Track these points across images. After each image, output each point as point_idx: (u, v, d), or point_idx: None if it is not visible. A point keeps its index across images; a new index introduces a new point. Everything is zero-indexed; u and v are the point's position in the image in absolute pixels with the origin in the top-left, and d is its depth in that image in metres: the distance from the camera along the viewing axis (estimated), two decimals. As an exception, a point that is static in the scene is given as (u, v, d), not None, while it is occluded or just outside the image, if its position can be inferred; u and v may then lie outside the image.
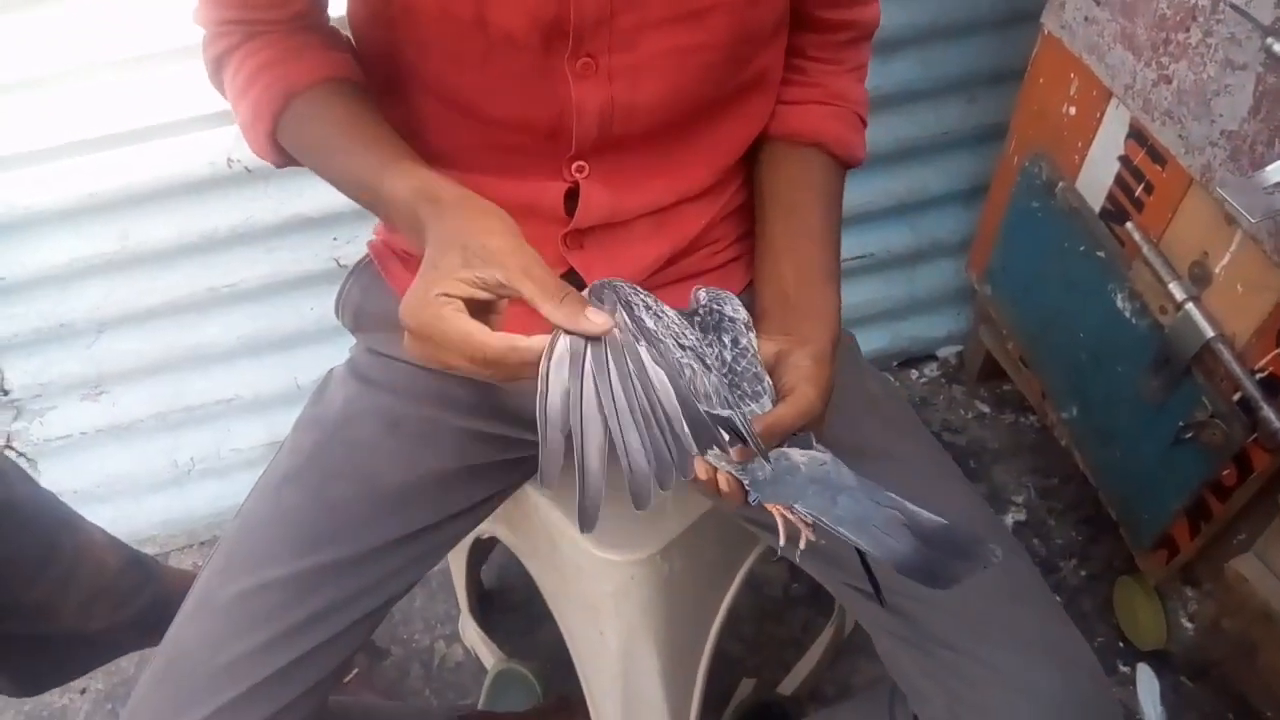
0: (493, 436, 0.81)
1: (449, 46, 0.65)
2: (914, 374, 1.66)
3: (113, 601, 0.91)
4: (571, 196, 0.73)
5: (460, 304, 0.53)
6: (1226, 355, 0.95)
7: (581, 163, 0.71)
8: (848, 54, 0.80)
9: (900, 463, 0.75)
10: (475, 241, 0.54)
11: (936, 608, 0.69)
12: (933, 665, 0.69)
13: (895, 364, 1.66)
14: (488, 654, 1.29)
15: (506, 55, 0.65)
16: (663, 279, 0.79)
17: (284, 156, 0.71)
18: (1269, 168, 0.76)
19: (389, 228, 0.81)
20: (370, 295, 0.84)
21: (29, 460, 1.42)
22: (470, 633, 1.32)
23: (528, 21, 0.63)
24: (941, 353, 1.67)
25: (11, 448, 1.40)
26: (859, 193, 1.48)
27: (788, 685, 1.23)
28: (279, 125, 0.68)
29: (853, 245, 1.53)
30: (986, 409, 1.59)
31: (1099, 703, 0.67)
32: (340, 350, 1.41)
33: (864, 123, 0.81)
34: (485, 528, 0.97)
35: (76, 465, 1.44)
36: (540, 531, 0.93)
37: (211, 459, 1.48)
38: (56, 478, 1.43)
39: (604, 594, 0.87)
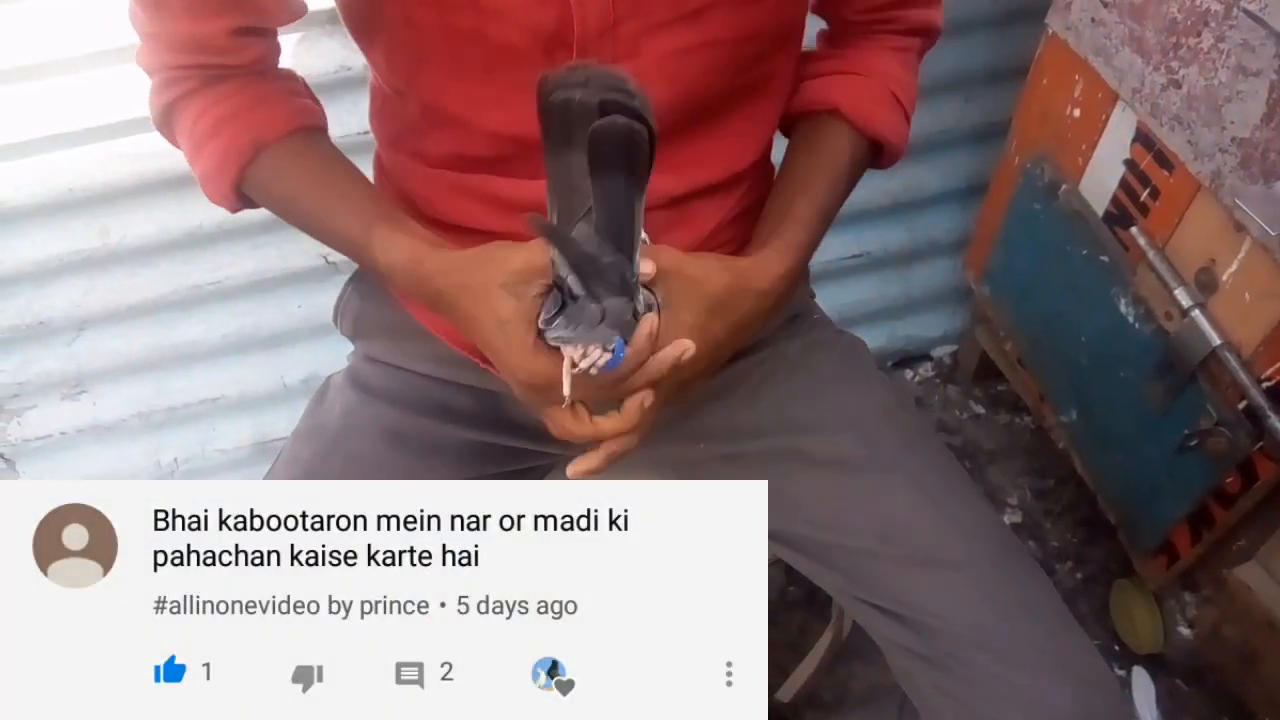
0: (495, 448, 0.79)
1: (449, 59, 0.64)
2: (909, 374, 1.65)
3: None
4: None
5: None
6: (1233, 363, 0.95)
7: None
8: (886, 38, 0.76)
9: (914, 475, 0.74)
10: (501, 276, 0.56)
11: (955, 623, 0.68)
12: (948, 681, 0.68)
13: (890, 364, 1.65)
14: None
15: (507, 68, 0.63)
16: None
17: (244, 203, 0.71)
18: (1287, 178, 0.76)
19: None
20: (370, 301, 0.82)
21: (7, 461, 1.38)
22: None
23: (529, 34, 0.61)
24: (936, 352, 1.66)
25: (-11, 448, 1.37)
26: (855, 191, 1.47)
27: (785, 691, 1.22)
28: (245, 177, 0.67)
29: (849, 244, 1.52)
30: (981, 409, 1.59)
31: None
32: (328, 350, 1.40)
33: (900, 103, 0.75)
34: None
35: (57, 466, 1.40)
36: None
37: (196, 459, 1.45)
38: (35, 478, 1.40)
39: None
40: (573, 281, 0.51)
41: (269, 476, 0.77)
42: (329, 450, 0.75)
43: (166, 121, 0.70)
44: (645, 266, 0.57)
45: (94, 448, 1.40)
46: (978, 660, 0.66)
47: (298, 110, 0.69)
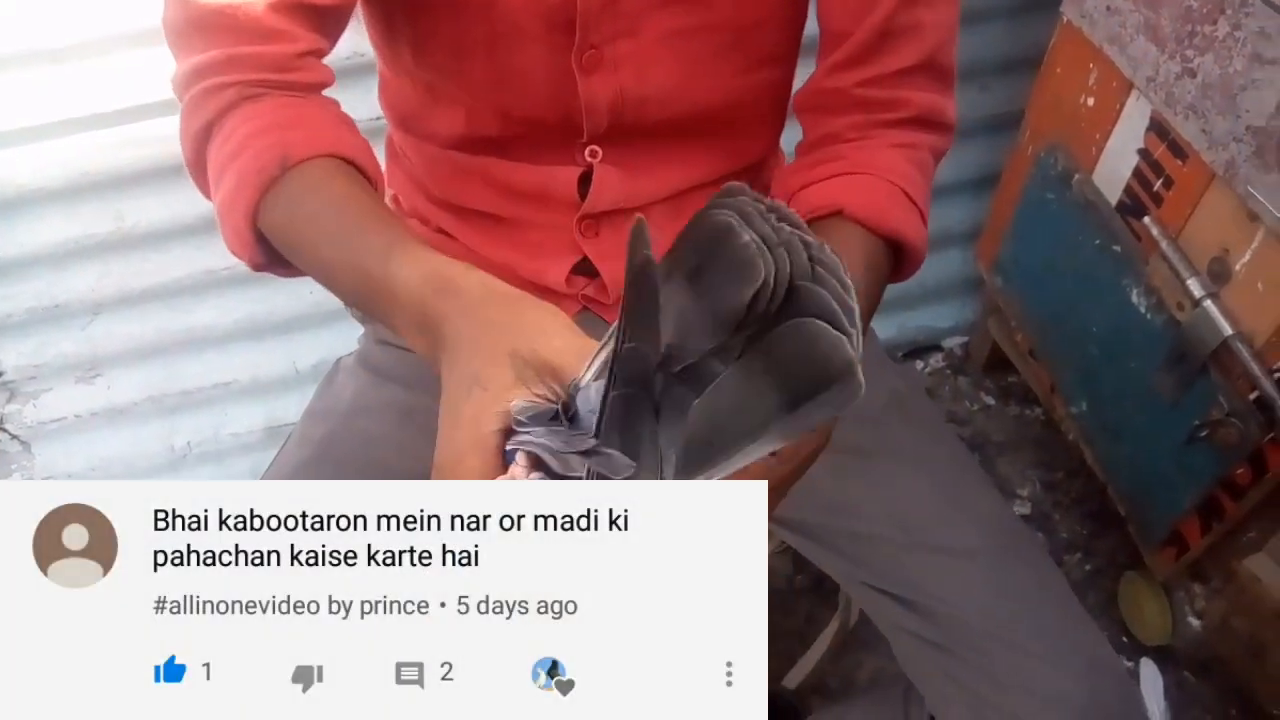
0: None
1: (453, 38, 0.64)
2: (919, 364, 1.64)
3: None
4: (586, 181, 0.71)
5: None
6: (1244, 354, 0.94)
7: (595, 147, 0.70)
8: (887, 132, 0.67)
9: (925, 463, 0.74)
10: (527, 346, 0.44)
11: (964, 610, 0.68)
12: (957, 668, 0.68)
13: (901, 354, 1.64)
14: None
15: (509, 46, 0.63)
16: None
17: (263, 250, 0.60)
18: (1302, 166, 0.75)
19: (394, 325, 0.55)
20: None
21: (22, 443, 1.40)
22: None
23: (532, 8, 0.61)
24: (947, 343, 1.66)
25: (4, 430, 1.38)
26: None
27: (792, 678, 1.23)
28: (265, 201, 0.58)
29: (860, 234, 1.52)
30: (992, 400, 1.58)
31: (1127, 712, 0.67)
32: (339, 335, 1.41)
33: (912, 200, 0.65)
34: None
35: (70, 448, 1.41)
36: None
37: (208, 443, 1.46)
38: (50, 460, 1.41)
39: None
40: (585, 414, 0.43)
41: (278, 458, 0.78)
42: (340, 430, 0.75)
43: (200, 151, 0.61)
44: None
45: (107, 431, 1.42)
46: (987, 647, 0.66)
47: (336, 137, 0.60)
